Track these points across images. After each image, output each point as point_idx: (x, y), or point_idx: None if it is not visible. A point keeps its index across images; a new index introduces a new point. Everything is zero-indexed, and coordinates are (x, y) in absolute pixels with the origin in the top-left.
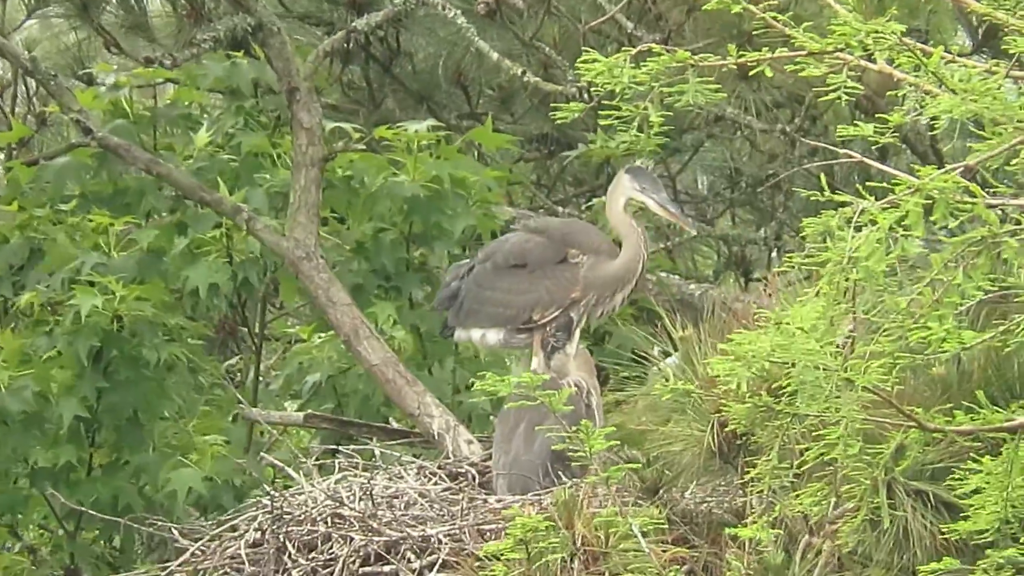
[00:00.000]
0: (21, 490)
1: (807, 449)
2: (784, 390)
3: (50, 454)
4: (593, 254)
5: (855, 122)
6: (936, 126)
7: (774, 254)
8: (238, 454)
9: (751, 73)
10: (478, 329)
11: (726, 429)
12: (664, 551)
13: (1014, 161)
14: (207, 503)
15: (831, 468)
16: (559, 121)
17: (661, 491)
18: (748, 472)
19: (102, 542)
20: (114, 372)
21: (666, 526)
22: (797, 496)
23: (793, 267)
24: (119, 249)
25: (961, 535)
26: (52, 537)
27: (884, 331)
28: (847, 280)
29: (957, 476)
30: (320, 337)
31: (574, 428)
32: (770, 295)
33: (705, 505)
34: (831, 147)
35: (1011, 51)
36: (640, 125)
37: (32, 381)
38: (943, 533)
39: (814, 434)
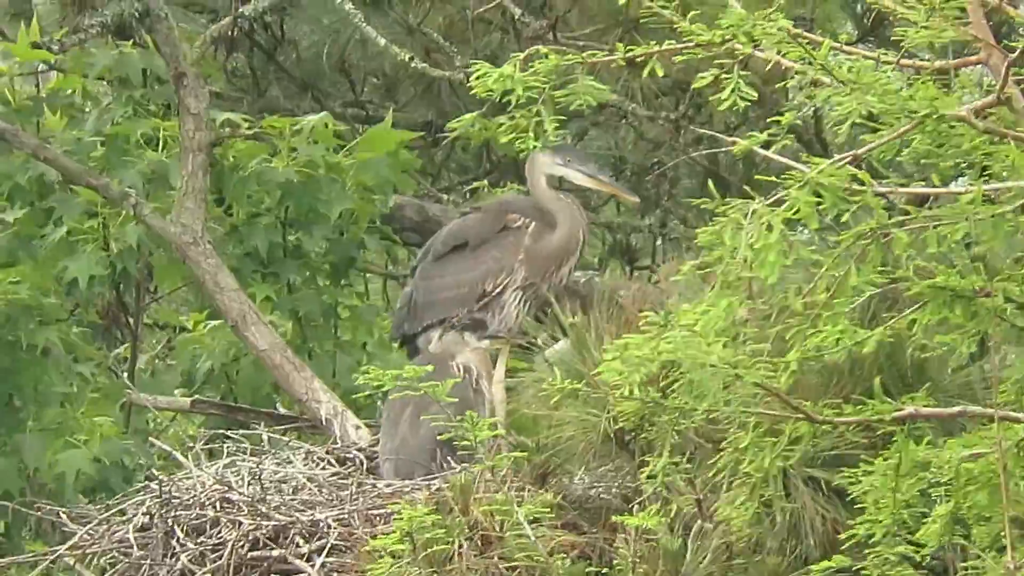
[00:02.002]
0: None
1: (706, 450)
2: (673, 388)
3: None
4: (534, 220)
5: (752, 134)
6: (832, 119)
7: (659, 242)
8: (120, 438)
9: (638, 61)
10: (435, 329)
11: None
12: (554, 538)
13: (905, 152)
14: (96, 485)
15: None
16: (453, 133)
17: (551, 477)
18: (643, 458)
19: None
20: None
21: (553, 513)
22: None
23: (687, 274)
24: None
25: (859, 538)
26: None
27: (779, 332)
28: (739, 279)
29: (848, 476)
30: (208, 324)
31: (459, 416)
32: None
33: (594, 490)
34: (716, 135)
35: (902, 43)
36: (536, 132)
37: None
38: (837, 531)
39: (721, 443)
